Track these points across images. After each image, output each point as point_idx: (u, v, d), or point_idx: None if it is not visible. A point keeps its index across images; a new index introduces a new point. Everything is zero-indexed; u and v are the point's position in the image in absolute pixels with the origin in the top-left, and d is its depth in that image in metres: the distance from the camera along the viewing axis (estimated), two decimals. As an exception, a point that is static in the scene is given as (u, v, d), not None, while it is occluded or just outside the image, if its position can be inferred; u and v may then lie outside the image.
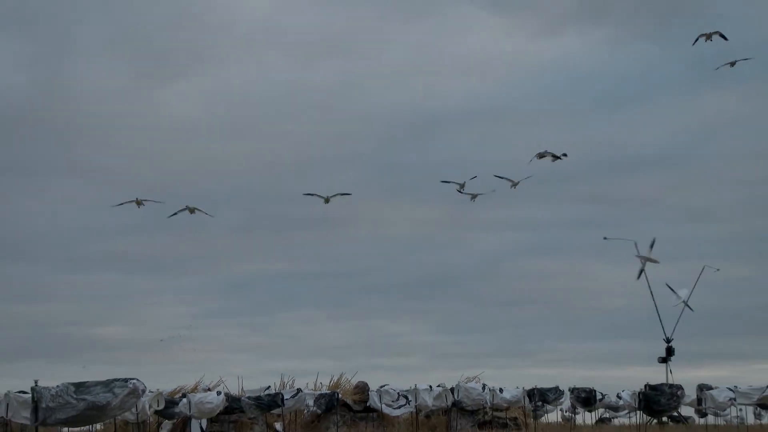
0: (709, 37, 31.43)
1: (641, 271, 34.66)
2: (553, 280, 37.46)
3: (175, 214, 32.58)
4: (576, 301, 35.67)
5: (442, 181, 35.01)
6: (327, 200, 32.96)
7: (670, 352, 34.95)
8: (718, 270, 36.72)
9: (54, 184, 50.10)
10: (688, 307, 35.22)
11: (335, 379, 33.01)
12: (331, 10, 57.63)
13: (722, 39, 31.19)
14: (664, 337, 35.22)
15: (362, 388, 31.55)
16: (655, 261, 34.40)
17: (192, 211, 32.40)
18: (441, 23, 58.53)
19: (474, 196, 34.69)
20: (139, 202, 32.58)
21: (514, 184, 33.89)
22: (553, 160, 33.60)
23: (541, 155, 33.54)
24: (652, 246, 34.10)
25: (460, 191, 34.33)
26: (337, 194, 33.13)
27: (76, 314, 51.65)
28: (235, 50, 57.61)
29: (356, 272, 54.59)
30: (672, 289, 35.12)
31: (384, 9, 58.27)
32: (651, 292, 35.34)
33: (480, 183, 33.71)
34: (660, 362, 34.91)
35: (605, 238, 37.92)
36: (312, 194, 33.25)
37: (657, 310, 35.38)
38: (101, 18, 56.18)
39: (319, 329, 52.30)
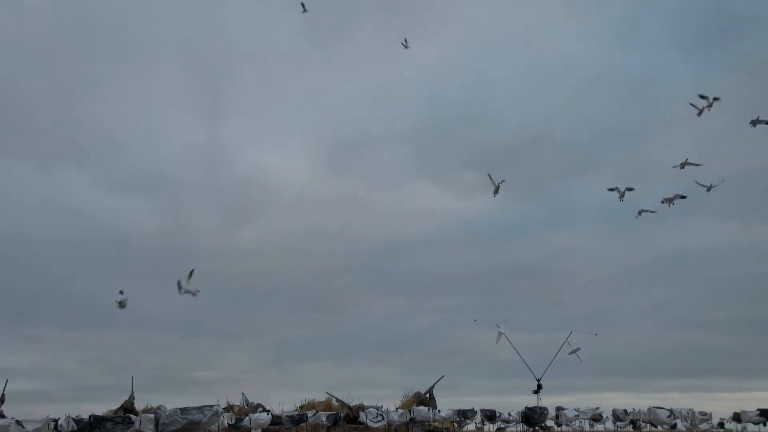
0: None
1: (499, 337, 35.78)
2: (470, 342, 41.83)
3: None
4: (484, 354, 39.58)
5: (609, 189, 32.06)
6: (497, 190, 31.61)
7: (539, 387, 36.47)
8: (596, 334, 37.62)
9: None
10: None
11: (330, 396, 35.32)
12: (337, 183, 63.97)
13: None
14: (536, 378, 36.70)
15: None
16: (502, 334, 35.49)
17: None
18: (403, 191, 64.34)
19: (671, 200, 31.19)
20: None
21: (709, 188, 30.64)
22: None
23: (668, 200, 31.44)
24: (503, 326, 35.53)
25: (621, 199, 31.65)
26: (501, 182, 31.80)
27: (185, 363, 55.61)
28: (281, 206, 63.52)
29: (351, 336, 58.89)
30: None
31: (369, 184, 64.45)
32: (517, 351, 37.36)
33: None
34: (534, 393, 36.47)
35: (475, 320, 39.75)
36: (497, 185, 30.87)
37: (524, 362, 37.33)
38: (202, 183, 62.07)
39: (328, 372, 56.25)
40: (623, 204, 32.07)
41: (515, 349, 37.02)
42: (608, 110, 57.89)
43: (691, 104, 29.91)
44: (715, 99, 29.40)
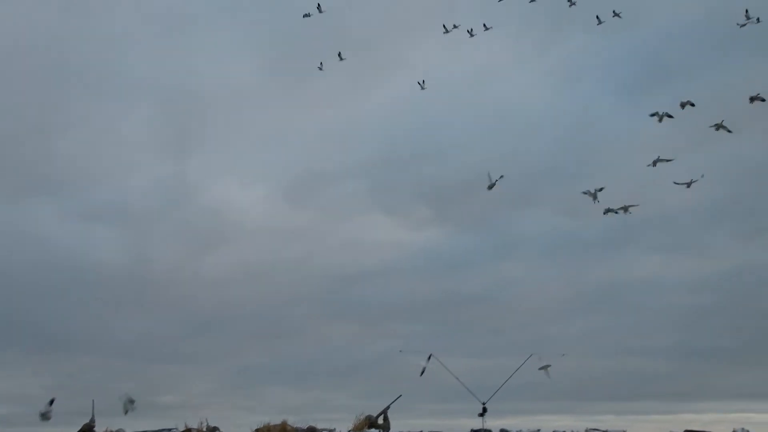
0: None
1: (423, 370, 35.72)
2: (416, 368, 42.24)
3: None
4: (436, 379, 40.20)
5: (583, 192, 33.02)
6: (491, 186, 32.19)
7: (485, 410, 36.77)
8: (564, 354, 37.51)
9: (144, 314, 55.34)
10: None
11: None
12: (296, 215, 64.45)
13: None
14: (482, 402, 36.88)
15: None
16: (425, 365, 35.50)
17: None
18: (358, 224, 65.16)
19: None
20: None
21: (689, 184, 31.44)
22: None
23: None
24: (429, 358, 35.86)
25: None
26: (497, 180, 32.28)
27: (148, 389, 55.29)
28: (243, 236, 63.94)
29: (308, 364, 59.23)
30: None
31: (324, 215, 65.31)
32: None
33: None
34: (479, 416, 36.68)
35: (400, 351, 39.36)
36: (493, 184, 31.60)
37: (465, 387, 37.65)
38: (167, 215, 62.46)
39: (287, 396, 56.36)
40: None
41: (454, 375, 37.88)
42: (549, 150, 59.86)
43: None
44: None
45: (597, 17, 35.80)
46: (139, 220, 61.00)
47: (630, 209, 32.65)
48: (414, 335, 56.96)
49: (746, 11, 31.16)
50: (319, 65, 35.31)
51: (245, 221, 63.55)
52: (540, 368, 37.16)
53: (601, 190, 32.96)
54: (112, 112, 60.63)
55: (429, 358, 36.53)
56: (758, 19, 31.58)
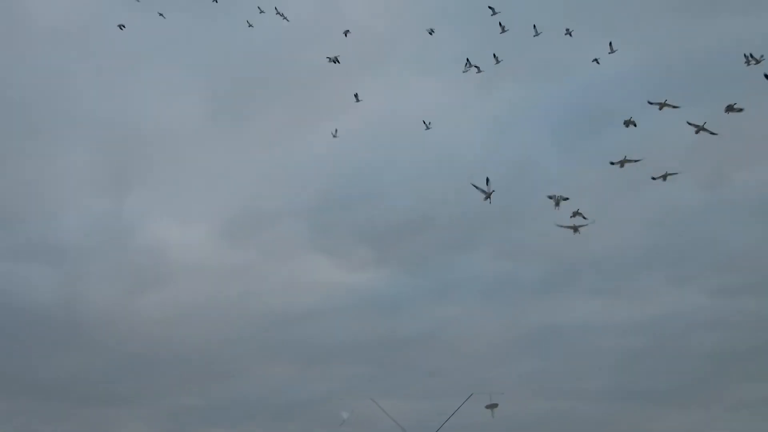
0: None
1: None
2: (353, 412, 41.63)
3: None
4: (375, 420, 39.50)
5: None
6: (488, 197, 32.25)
7: None
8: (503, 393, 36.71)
9: (76, 355, 53.76)
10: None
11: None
12: (235, 254, 63.90)
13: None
14: None
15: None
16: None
17: None
18: (298, 263, 64.82)
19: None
20: None
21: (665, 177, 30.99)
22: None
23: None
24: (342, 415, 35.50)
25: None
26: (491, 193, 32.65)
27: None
28: (182, 275, 62.89)
29: (245, 406, 58.10)
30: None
31: (264, 254, 64.91)
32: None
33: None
34: None
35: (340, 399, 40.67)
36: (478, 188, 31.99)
37: (400, 426, 36.29)
38: (104, 254, 61.14)
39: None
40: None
41: (391, 417, 37.43)
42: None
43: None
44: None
45: (610, 44, 36.23)
46: (74, 259, 59.53)
47: (580, 228, 32.77)
48: (353, 377, 56.36)
49: (750, 54, 31.50)
50: (334, 132, 36.46)
51: (184, 260, 62.52)
52: (487, 406, 37.02)
53: (566, 199, 32.99)
54: (49, 147, 59.46)
55: (349, 413, 36.22)
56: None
